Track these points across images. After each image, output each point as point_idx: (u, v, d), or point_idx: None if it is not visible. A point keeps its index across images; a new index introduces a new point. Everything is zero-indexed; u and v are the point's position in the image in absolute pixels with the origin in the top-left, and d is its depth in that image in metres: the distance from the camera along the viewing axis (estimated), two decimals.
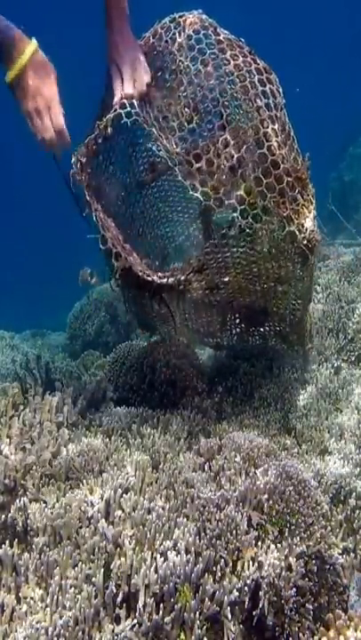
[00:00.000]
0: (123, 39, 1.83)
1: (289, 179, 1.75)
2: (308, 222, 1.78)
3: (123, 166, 2.27)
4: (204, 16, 1.89)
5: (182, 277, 1.86)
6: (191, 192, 1.73)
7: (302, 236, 1.78)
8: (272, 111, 1.78)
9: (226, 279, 2.03)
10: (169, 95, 1.82)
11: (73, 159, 1.91)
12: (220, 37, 1.83)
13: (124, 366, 2.82)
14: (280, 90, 1.82)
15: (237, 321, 2.50)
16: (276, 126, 1.77)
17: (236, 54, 1.80)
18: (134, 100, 1.81)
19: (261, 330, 2.51)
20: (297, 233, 1.77)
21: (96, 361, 4.61)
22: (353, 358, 2.95)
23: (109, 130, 1.90)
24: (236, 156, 1.73)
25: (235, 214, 1.74)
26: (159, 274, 1.89)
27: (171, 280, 1.86)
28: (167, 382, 2.56)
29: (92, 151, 1.92)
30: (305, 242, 1.80)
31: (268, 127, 1.75)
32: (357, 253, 4.02)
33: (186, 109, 1.80)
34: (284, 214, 1.76)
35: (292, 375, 2.73)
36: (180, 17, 1.90)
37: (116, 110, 1.82)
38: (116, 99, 1.83)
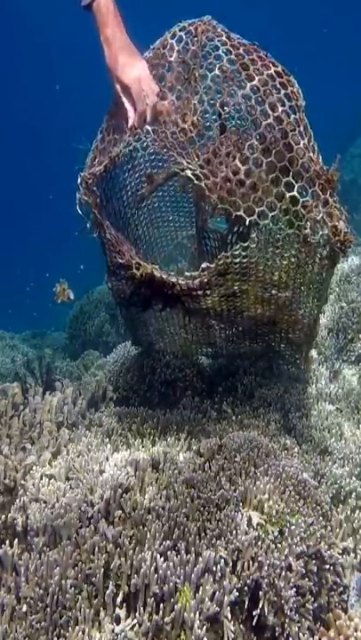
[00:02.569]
0: (125, 53, 1.77)
1: (320, 181, 1.74)
2: (341, 224, 1.76)
3: (121, 180, 2.25)
4: (214, 22, 1.85)
5: (206, 280, 1.84)
6: (220, 206, 1.71)
7: (337, 238, 1.76)
8: (296, 114, 1.76)
9: (245, 287, 2.01)
10: (184, 106, 1.80)
11: (79, 180, 1.88)
12: (235, 43, 1.80)
13: (124, 366, 2.82)
14: (300, 92, 1.80)
15: (240, 334, 2.49)
16: (301, 129, 1.75)
17: (254, 59, 1.78)
18: (148, 127, 1.78)
19: (266, 338, 2.51)
20: (331, 236, 1.75)
21: (96, 361, 4.61)
22: (353, 358, 2.95)
23: (120, 159, 1.89)
24: (265, 161, 1.72)
25: (266, 221, 1.72)
26: (186, 274, 1.87)
27: (196, 282, 1.84)
28: (167, 382, 2.56)
29: (99, 177, 1.90)
30: (339, 244, 1.78)
31: (294, 130, 1.73)
32: (358, 253, 4.02)
33: (204, 117, 1.78)
34: (318, 218, 1.74)
35: (292, 375, 2.73)
36: (191, 25, 1.86)
37: (130, 143, 1.80)
38: (130, 122, 1.78)
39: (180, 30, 1.86)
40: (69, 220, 1.98)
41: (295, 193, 1.71)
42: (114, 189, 2.21)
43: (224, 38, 1.80)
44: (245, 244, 1.80)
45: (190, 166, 1.71)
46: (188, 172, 1.71)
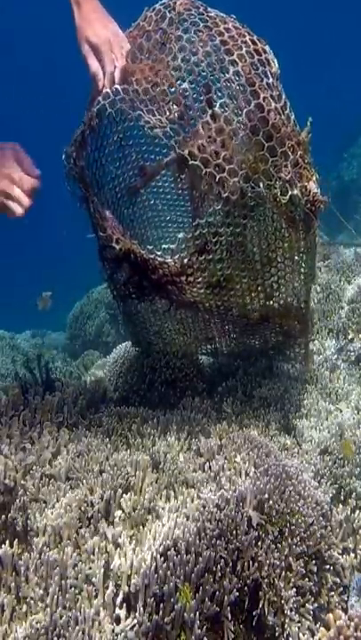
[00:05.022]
0: (96, 14, 1.76)
1: (290, 142, 1.74)
2: (311, 184, 1.76)
3: (112, 169, 2.26)
4: None
5: (186, 260, 1.82)
6: (190, 161, 1.71)
7: (306, 198, 1.76)
8: (269, 79, 1.77)
9: (228, 272, 2.01)
10: (158, 64, 1.82)
11: (63, 155, 1.90)
12: (212, 14, 1.85)
13: (123, 366, 2.83)
14: (275, 60, 1.81)
15: (236, 330, 2.49)
16: (273, 92, 1.76)
17: (229, 27, 1.81)
18: (117, 86, 1.79)
19: (263, 334, 2.51)
20: (300, 195, 1.75)
21: (96, 361, 4.62)
22: (353, 358, 2.95)
23: (95, 122, 1.90)
24: (236, 119, 1.73)
25: (236, 179, 1.72)
26: (164, 247, 1.88)
27: (177, 262, 1.83)
28: (167, 382, 2.56)
29: (81, 146, 1.92)
30: (308, 205, 1.77)
31: (266, 93, 1.74)
32: (357, 253, 4.03)
33: (177, 72, 1.79)
34: (287, 178, 1.74)
35: (292, 375, 2.73)
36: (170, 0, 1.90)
37: (99, 103, 1.81)
38: (100, 85, 1.78)
39: (159, 5, 1.92)
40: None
41: (265, 152, 1.71)
42: (105, 178, 2.21)
43: (201, 10, 1.84)
44: (218, 207, 1.79)
45: (160, 124, 1.72)
46: (158, 131, 1.72)
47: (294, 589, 1.48)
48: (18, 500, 1.62)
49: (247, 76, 1.74)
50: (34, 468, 1.78)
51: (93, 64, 1.78)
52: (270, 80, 1.77)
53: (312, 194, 1.76)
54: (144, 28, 1.89)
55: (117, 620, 1.34)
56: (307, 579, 1.52)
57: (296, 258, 2.06)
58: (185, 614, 1.33)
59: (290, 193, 1.74)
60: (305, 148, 1.77)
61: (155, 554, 1.45)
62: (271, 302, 2.21)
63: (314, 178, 1.77)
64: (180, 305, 2.16)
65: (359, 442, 2.23)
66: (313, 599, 1.51)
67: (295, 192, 1.74)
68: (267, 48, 1.81)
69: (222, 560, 1.47)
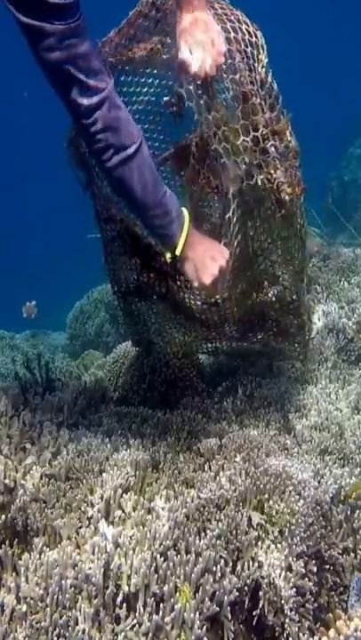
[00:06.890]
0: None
1: (265, 129, 1.72)
2: (279, 173, 1.73)
3: None
4: None
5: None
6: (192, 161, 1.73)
7: (269, 185, 1.75)
8: (250, 60, 1.73)
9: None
10: (151, 42, 1.82)
11: (65, 144, 1.93)
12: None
13: (123, 366, 2.83)
14: (264, 46, 1.78)
15: (235, 328, 2.49)
16: (254, 75, 1.72)
17: (225, 9, 1.79)
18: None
19: (260, 336, 2.50)
20: (266, 182, 1.73)
21: (96, 361, 4.62)
22: (353, 358, 2.95)
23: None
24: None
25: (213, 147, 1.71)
26: None
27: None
28: (167, 382, 2.56)
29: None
30: (276, 193, 1.76)
31: (244, 74, 1.70)
32: (357, 253, 4.03)
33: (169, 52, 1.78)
34: (254, 162, 1.70)
35: (292, 375, 2.73)
36: None
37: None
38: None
39: None
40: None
41: (238, 126, 1.67)
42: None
43: None
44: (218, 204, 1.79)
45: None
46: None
47: (294, 589, 1.48)
48: (18, 500, 1.62)
49: (230, 62, 1.70)
50: (34, 468, 1.78)
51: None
52: (256, 64, 1.74)
53: (277, 182, 1.73)
54: (144, 13, 1.88)
55: (117, 620, 1.34)
56: (307, 579, 1.52)
57: (286, 249, 2.05)
58: (185, 614, 1.33)
59: (255, 178, 1.72)
60: (281, 137, 1.75)
61: (155, 554, 1.45)
62: (262, 296, 2.22)
63: (282, 169, 1.75)
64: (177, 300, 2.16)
65: (359, 442, 2.23)
66: (313, 599, 1.51)
67: (261, 177, 1.72)
68: (259, 33, 1.78)
69: (222, 560, 1.47)
